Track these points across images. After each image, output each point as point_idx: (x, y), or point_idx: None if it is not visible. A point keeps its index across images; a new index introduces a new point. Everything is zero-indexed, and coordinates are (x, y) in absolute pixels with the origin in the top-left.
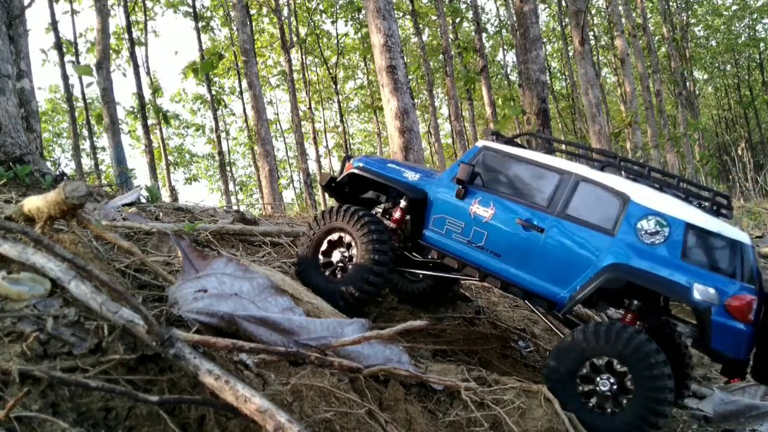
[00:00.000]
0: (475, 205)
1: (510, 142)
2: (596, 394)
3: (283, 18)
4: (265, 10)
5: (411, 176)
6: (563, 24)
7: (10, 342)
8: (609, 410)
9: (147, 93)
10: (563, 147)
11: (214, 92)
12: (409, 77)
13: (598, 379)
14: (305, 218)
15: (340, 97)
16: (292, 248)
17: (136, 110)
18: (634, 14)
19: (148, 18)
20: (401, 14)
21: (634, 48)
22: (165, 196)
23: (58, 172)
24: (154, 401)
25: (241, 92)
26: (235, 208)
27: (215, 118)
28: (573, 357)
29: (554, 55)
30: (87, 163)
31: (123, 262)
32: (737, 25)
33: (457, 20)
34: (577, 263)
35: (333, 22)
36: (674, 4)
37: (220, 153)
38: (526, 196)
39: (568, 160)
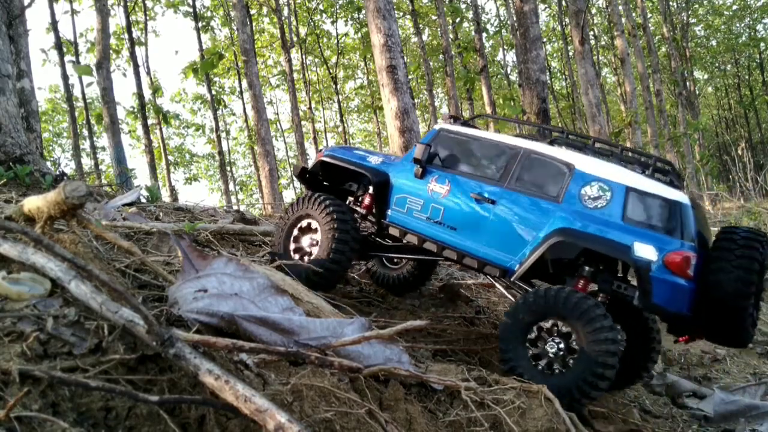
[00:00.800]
0: (433, 183)
1: (466, 124)
2: (545, 356)
3: (283, 18)
4: (265, 9)
5: (374, 160)
6: (563, 24)
7: (10, 342)
8: (557, 371)
9: (147, 93)
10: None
11: (214, 92)
12: (409, 77)
13: (546, 341)
14: None
15: (340, 96)
16: None
17: (136, 110)
18: (634, 14)
19: (148, 18)
20: (401, 14)
21: (634, 48)
22: (165, 196)
23: (58, 172)
24: (154, 401)
25: (241, 92)
26: (235, 208)
27: (215, 118)
28: (523, 320)
29: (554, 54)
30: (87, 163)
31: (123, 262)
32: (737, 24)
33: (457, 20)
34: (526, 230)
35: (333, 22)
36: (674, 3)
37: (220, 153)
38: (479, 172)
39: (521, 138)
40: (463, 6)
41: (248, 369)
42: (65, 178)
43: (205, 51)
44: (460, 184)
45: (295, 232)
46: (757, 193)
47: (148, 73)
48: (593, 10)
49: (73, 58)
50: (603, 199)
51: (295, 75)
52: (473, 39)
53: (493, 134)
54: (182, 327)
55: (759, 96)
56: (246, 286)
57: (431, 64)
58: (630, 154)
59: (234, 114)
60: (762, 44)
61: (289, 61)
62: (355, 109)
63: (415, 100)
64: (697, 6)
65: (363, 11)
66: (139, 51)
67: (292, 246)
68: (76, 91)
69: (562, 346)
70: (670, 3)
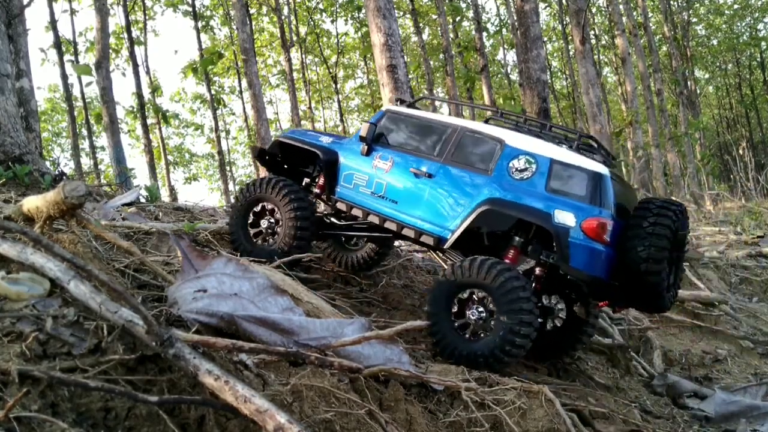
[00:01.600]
0: (377, 160)
1: (412, 105)
2: (469, 323)
3: (283, 17)
4: (265, 9)
5: (325, 140)
6: (564, 23)
7: (10, 342)
8: (481, 336)
9: (146, 92)
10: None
11: (213, 92)
12: (410, 76)
13: (469, 309)
14: None
15: (340, 96)
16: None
17: (135, 110)
18: (634, 13)
19: (147, 17)
20: (401, 13)
21: (635, 47)
22: (164, 195)
23: (57, 172)
24: (154, 401)
25: (240, 92)
26: None
27: (215, 118)
28: (448, 289)
29: (555, 54)
30: (86, 162)
31: (122, 262)
32: (738, 24)
33: (458, 19)
34: (458, 202)
35: (333, 21)
36: (675, 3)
37: (220, 152)
38: (420, 149)
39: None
40: (463, 5)
41: (248, 369)
42: (64, 177)
43: (205, 50)
44: (401, 161)
45: (251, 216)
46: (758, 193)
47: (148, 72)
48: (594, 10)
49: (73, 58)
50: (529, 171)
51: (295, 74)
52: (473, 38)
53: (434, 114)
54: (182, 327)
55: (760, 95)
56: (246, 286)
57: (431, 63)
58: (557, 130)
59: (234, 113)
60: (763, 43)
61: (289, 60)
62: (355, 108)
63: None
64: (698, 5)
65: (363, 10)
66: (139, 50)
67: (251, 231)
68: (76, 91)
69: (484, 314)
70: (671, 2)
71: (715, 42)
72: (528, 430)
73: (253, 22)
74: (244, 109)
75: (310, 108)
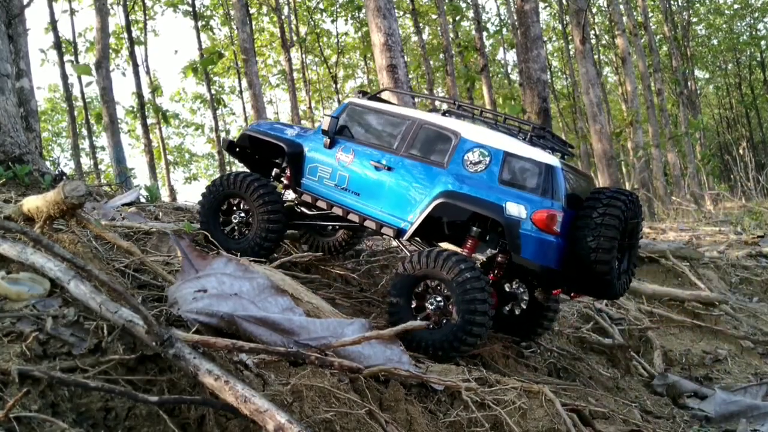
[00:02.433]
0: (340, 153)
1: (374, 98)
2: (429, 314)
3: (283, 17)
4: (265, 9)
5: (291, 133)
6: (564, 23)
7: (10, 342)
8: (437, 326)
9: (146, 92)
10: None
11: (213, 91)
12: (410, 76)
13: (427, 299)
14: None
15: (341, 96)
16: (291, 247)
17: (135, 109)
18: (635, 13)
19: (147, 17)
20: (402, 13)
21: (635, 47)
22: (164, 195)
23: (57, 172)
24: (154, 401)
25: (241, 91)
26: None
27: (215, 118)
28: (407, 281)
29: (555, 54)
30: (86, 162)
31: (122, 262)
32: (738, 23)
33: (458, 19)
34: (416, 194)
35: (333, 21)
36: (675, 2)
37: (220, 152)
38: (380, 142)
39: (420, 111)
40: (463, 5)
41: (248, 369)
42: (64, 177)
43: (205, 50)
44: (363, 153)
45: (223, 209)
46: (758, 193)
47: (148, 72)
48: (594, 9)
49: (73, 58)
50: (483, 164)
51: (295, 74)
52: (474, 38)
53: (394, 107)
54: (182, 327)
55: (760, 95)
56: (246, 286)
57: (431, 63)
58: (511, 122)
59: (234, 113)
60: (763, 43)
61: (289, 60)
62: None
63: (416, 100)
64: (698, 5)
65: (363, 10)
66: (139, 50)
67: (223, 225)
68: (76, 91)
69: (441, 304)
70: (671, 2)
71: (715, 42)
72: (528, 430)
73: (253, 22)
74: (244, 109)
75: (310, 108)
